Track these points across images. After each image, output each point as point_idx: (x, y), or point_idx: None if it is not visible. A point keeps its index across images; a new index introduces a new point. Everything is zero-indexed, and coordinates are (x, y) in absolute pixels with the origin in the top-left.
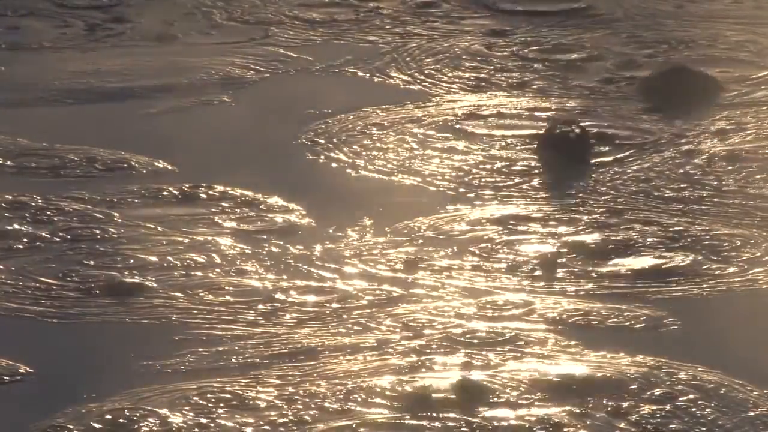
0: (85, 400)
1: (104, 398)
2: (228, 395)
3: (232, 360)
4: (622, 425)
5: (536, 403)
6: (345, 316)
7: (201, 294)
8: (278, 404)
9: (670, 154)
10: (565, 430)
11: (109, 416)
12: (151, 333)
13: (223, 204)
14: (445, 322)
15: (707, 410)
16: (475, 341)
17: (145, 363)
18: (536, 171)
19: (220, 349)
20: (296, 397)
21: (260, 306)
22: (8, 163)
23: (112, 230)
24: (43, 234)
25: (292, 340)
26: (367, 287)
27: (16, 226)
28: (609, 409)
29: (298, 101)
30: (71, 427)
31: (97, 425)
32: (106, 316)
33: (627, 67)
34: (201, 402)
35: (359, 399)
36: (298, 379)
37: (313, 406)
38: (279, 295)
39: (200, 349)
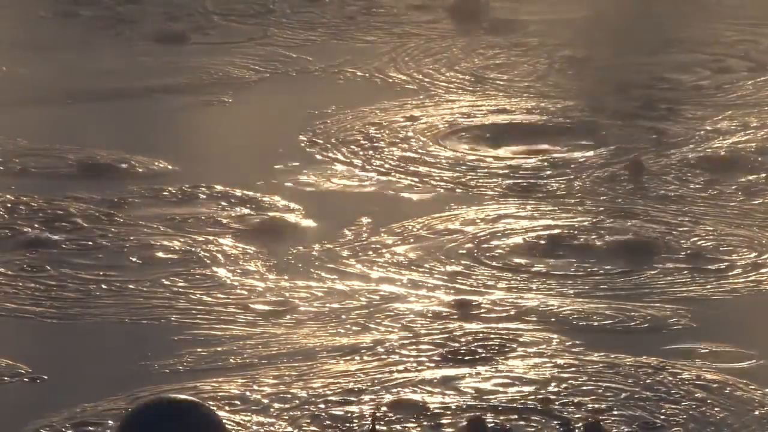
0: (84, 400)
1: (102, 398)
2: (225, 395)
3: (230, 360)
4: (627, 426)
5: (539, 404)
6: (344, 317)
7: (200, 294)
8: (274, 405)
9: (672, 154)
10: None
11: (107, 417)
12: (150, 333)
13: (223, 204)
14: (445, 323)
15: (715, 409)
16: (476, 342)
17: (144, 363)
18: (534, 170)
19: (219, 349)
20: (292, 397)
21: (259, 306)
22: (8, 163)
23: (113, 230)
24: (43, 234)
25: (290, 340)
26: (366, 287)
27: (17, 227)
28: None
29: (297, 101)
30: (68, 427)
31: (94, 426)
32: (106, 317)
33: None
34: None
35: (356, 399)
36: (294, 379)
37: (309, 406)
38: (278, 296)
39: (198, 350)
